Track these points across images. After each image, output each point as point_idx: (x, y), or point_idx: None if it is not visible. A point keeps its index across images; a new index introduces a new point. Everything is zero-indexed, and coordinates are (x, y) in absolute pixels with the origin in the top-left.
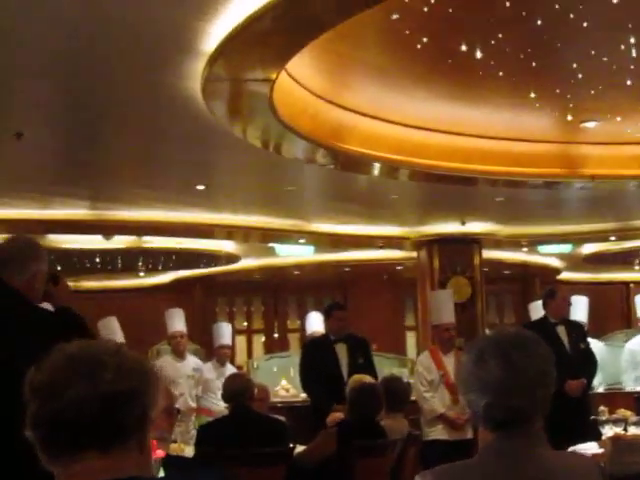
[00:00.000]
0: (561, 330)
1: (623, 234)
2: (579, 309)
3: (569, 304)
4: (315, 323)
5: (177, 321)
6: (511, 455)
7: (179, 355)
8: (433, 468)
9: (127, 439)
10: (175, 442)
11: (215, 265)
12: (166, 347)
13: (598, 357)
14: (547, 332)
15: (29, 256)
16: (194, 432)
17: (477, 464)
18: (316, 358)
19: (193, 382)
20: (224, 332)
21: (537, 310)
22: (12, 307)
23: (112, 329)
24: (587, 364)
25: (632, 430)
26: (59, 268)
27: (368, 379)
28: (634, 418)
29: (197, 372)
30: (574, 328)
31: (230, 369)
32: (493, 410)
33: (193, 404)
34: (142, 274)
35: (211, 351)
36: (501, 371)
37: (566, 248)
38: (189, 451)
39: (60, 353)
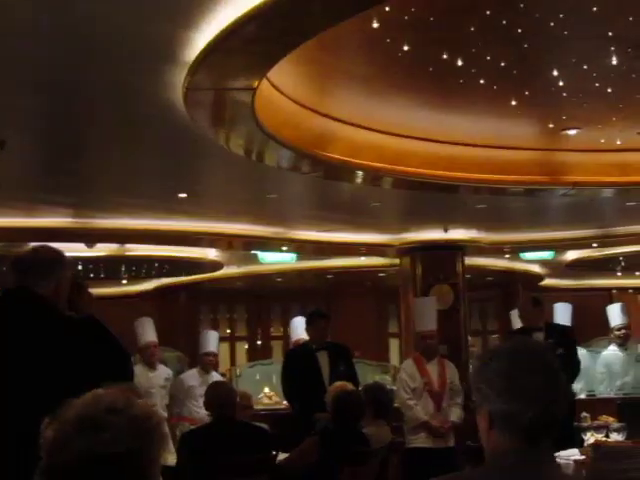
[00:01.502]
0: (538, 337)
1: (605, 241)
2: (563, 315)
3: (521, 310)
4: (300, 329)
5: (149, 331)
6: (535, 464)
7: (151, 365)
8: (443, 476)
9: None
10: None
11: (198, 273)
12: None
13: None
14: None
15: (53, 263)
16: (169, 440)
17: (496, 473)
18: (297, 367)
19: (165, 392)
20: (209, 339)
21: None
22: (39, 315)
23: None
24: (565, 370)
25: (614, 437)
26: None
27: (349, 387)
28: (615, 425)
29: (168, 382)
30: (553, 333)
31: (216, 377)
32: (539, 419)
33: (165, 414)
34: (125, 282)
35: (194, 358)
36: (545, 379)
37: (548, 255)
38: (171, 459)
39: (70, 409)
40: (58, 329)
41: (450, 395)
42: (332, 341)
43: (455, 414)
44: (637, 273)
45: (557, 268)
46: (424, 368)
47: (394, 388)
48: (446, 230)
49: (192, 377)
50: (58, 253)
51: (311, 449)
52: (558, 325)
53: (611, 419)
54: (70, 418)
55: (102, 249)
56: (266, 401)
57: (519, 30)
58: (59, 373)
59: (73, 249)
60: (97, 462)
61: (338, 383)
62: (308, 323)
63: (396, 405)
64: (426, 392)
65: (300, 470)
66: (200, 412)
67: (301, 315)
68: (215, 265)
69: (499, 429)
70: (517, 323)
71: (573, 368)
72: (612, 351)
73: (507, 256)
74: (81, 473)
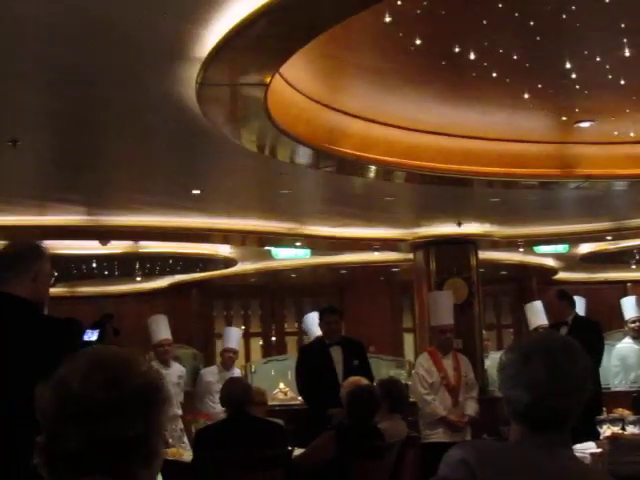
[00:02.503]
0: (562, 331)
1: (619, 233)
2: (579, 308)
3: (549, 307)
4: (315, 325)
5: (163, 329)
6: (541, 452)
7: (165, 363)
8: (472, 440)
9: (133, 474)
10: (173, 446)
11: (212, 269)
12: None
13: None
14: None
15: (28, 257)
16: (184, 437)
17: (513, 450)
18: (311, 362)
19: (179, 389)
20: (230, 336)
21: (532, 311)
22: (17, 318)
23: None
24: None
25: (630, 429)
26: (56, 274)
27: (363, 381)
28: (632, 417)
29: (181, 379)
30: (577, 330)
31: (237, 373)
32: (535, 408)
33: (179, 411)
34: (139, 279)
35: (208, 355)
36: (548, 372)
37: (562, 248)
38: (187, 455)
39: (62, 387)
40: (34, 331)
41: (465, 389)
42: (346, 336)
43: (471, 408)
44: None
45: (571, 261)
46: (440, 362)
47: (409, 383)
48: (459, 224)
49: (211, 373)
50: (31, 246)
51: (327, 444)
52: (580, 318)
53: (627, 412)
54: (64, 397)
55: (116, 246)
56: (281, 397)
57: (531, 23)
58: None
59: (87, 247)
60: (101, 449)
61: (352, 378)
62: (320, 319)
63: (412, 400)
64: (443, 386)
65: (316, 466)
66: (216, 408)
67: (314, 311)
68: (229, 261)
69: (508, 413)
70: (532, 317)
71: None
72: (627, 344)
73: (521, 250)
74: (84, 460)
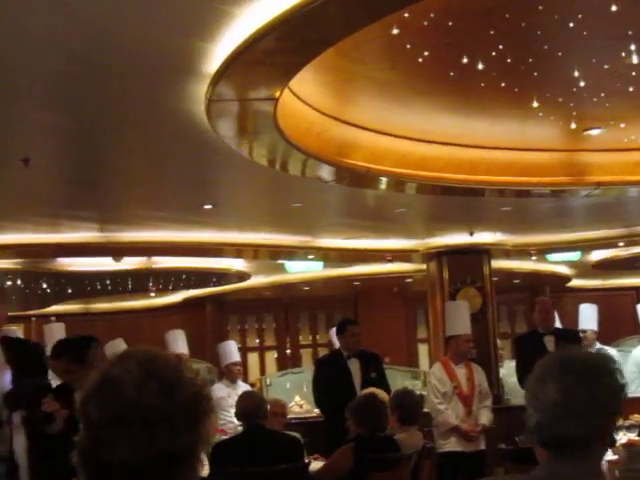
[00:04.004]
0: (548, 340)
1: (631, 240)
2: (589, 316)
3: (545, 313)
4: None
5: (181, 343)
6: (557, 474)
7: None
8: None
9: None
10: None
11: (225, 283)
12: None
13: None
14: (534, 343)
15: None
16: None
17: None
18: (329, 374)
19: None
20: (232, 349)
21: None
22: None
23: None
24: None
25: None
26: (70, 291)
27: (382, 394)
28: None
29: None
30: (564, 337)
31: (243, 386)
32: (541, 430)
33: None
34: (153, 294)
35: (222, 370)
36: (556, 395)
37: (575, 255)
38: (204, 470)
39: (114, 390)
40: None
41: (479, 398)
42: (363, 348)
43: (485, 417)
44: None
45: (584, 269)
46: (453, 372)
47: (424, 393)
48: (472, 234)
49: (220, 389)
50: None
51: (346, 456)
52: (562, 329)
53: None
54: (119, 403)
55: (129, 263)
56: (297, 410)
57: (539, 32)
58: None
59: (101, 263)
60: (157, 462)
61: (369, 390)
62: (341, 332)
63: (426, 410)
64: (456, 396)
65: (336, 478)
66: (233, 422)
67: (329, 323)
68: (242, 275)
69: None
70: None
71: None
72: None
73: (533, 258)
74: (135, 471)
